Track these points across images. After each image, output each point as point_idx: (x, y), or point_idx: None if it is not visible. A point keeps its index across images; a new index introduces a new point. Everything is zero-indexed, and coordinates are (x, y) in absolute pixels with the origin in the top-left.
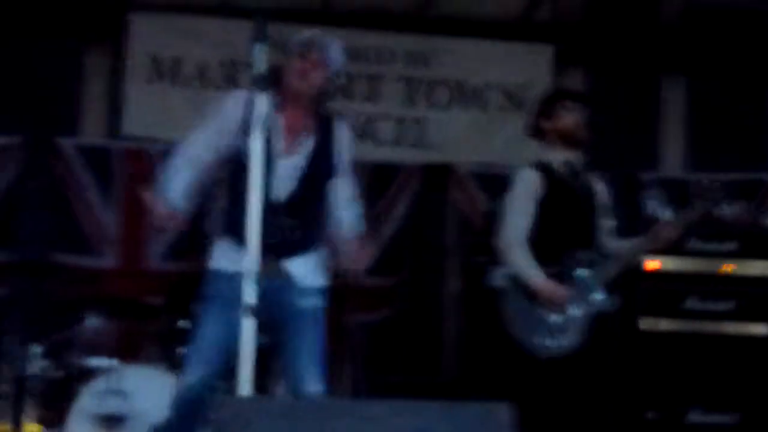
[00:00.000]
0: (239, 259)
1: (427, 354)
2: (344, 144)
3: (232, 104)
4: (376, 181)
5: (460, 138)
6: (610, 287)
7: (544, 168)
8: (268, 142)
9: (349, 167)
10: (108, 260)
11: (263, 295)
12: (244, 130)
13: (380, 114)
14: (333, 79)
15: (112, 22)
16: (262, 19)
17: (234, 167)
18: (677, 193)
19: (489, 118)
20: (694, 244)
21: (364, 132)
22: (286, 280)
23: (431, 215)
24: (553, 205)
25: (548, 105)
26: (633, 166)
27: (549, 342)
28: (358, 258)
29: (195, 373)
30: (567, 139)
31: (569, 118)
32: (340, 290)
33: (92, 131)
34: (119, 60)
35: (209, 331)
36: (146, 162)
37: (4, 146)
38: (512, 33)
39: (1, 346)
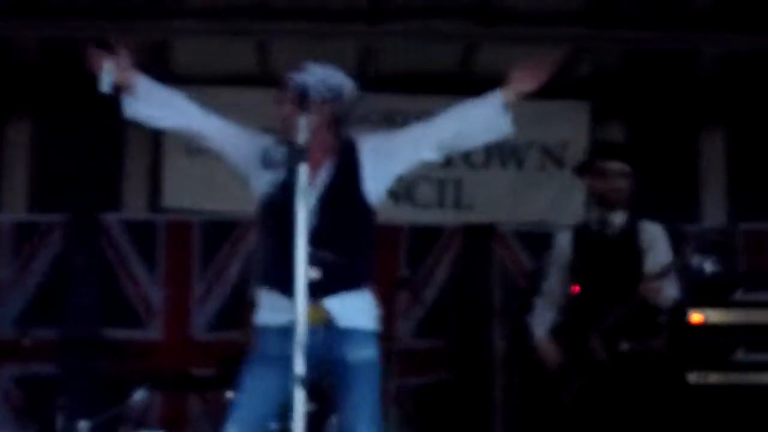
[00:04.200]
0: (279, 311)
1: (476, 416)
2: (371, 150)
3: (255, 135)
4: (418, 244)
5: (499, 198)
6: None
7: (579, 230)
8: (291, 176)
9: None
10: (154, 333)
11: (310, 349)
12: (265, 164)
13: (419, 176)
14: (332, 104)
15: None
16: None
17: (262, 212)
18: (721, 245)
19: (528, 177)
20: (740, 295)
21: (403, 195)
22: (329, 325)
23: (475, 276)
24: (585, 266)
25: (586, 162)
26: (675, 219)
27: None
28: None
29: None
30: (600, 202)
31: (603, 183)
32: (387, 353)
33: (134, 205)
34: (158, 133)
35: (250, 392)
36: (188, 233)
37: (48, 224)
38: (549, 90)
39: (53, 423)
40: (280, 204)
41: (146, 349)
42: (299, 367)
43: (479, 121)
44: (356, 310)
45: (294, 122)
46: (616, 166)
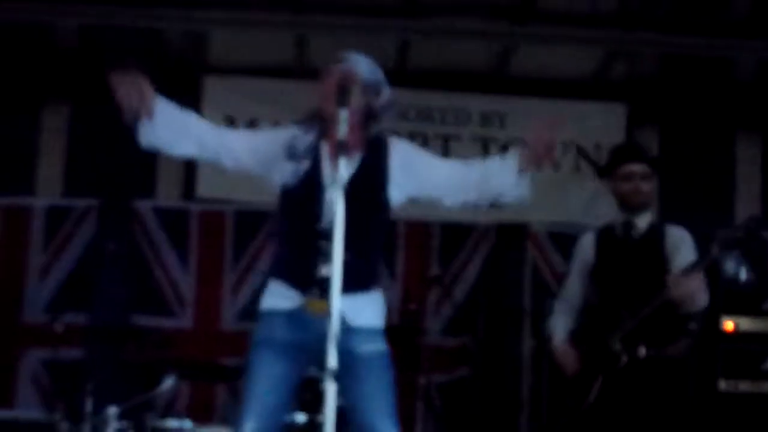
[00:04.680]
0: (287, 299)
1: (503, 414)
2: (402, 158)
3: (282, 131)
4: (449, 241)
5: (534, 197)
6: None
7: (603, 232)
8: (316, 169)
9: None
10: (183, 321)
11: (315, 340)
12: (289, 155)
13: None
14: (371, 96)
15: (186, 85)
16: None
17: (283, 202)
18: (744, 242)
19: (563, 178)
20: None
21: None
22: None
23: (506, 275)
24: (607, 269)
25: (608, 165)
26: (708, 224)
27: None
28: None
29: (251, 425)
30: (623, 205)
31: (625, 186)
32: (415, 349)
33: (168, 193)
34: None
35: (262, 379)
36: (221, 223)
37: (81, 210)
38: (586, 92)
39: (80, 408)
40: (297, 196)
41: (176, 337)
42: (332, 360)
43: (497, 183)
44: (365, 310)
45: (336, 91)
46: (637, 168)
